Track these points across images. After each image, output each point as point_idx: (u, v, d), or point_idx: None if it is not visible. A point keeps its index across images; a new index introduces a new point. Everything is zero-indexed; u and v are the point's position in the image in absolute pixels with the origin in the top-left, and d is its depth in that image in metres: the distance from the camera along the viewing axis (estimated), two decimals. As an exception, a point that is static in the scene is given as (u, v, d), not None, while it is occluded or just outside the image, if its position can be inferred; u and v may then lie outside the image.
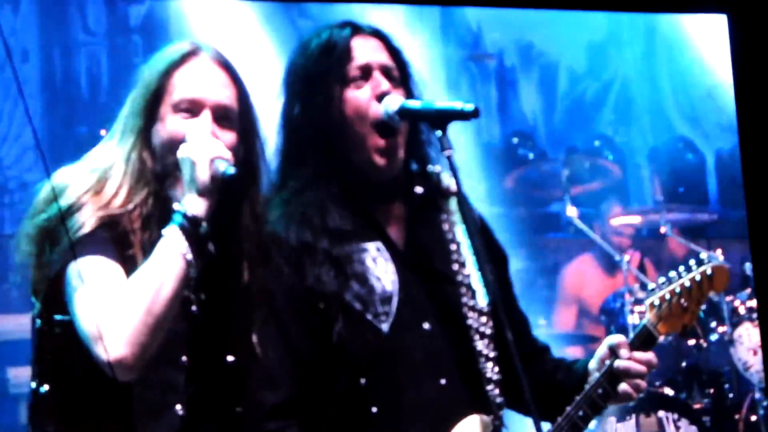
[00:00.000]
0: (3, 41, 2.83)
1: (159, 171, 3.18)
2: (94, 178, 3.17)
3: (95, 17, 7.57)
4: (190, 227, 3.08)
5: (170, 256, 3.06)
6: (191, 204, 3.10)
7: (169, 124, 3.19)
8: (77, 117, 6.79)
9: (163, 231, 3.08)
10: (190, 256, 3.07)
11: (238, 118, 3.26)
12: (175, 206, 3.11)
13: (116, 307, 3.00)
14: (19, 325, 6.33)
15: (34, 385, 3.21)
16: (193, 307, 3.23)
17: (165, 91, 3.20)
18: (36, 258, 3.14)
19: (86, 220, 3.08)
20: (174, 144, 3.16)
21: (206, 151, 3.11)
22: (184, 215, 3.08)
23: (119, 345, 2.97)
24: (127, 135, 3.20)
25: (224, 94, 3.23)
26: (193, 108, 3.19)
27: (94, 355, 3.01)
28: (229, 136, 3.21)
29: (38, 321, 3.18)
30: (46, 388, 3.17)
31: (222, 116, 3.21)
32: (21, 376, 6.75)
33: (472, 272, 3.48)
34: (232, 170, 3.11)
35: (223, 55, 3.30)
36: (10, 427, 6.69)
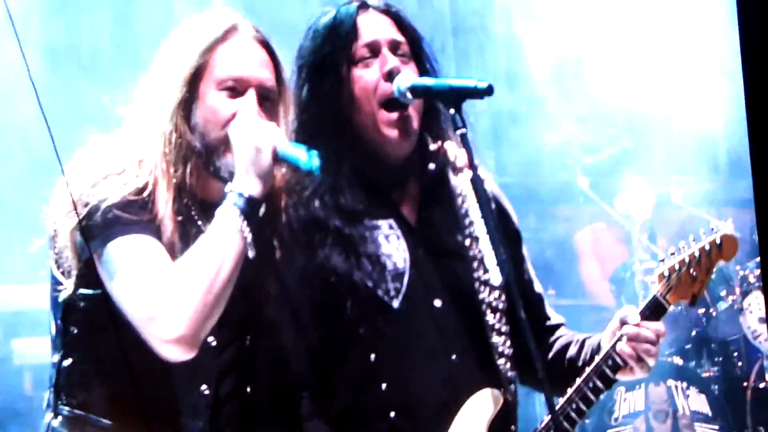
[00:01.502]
0: (6, 7, 2.81)
1: (199, 146, 3.16)
2: (128, 152, 3.15)
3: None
4: (249, 208, 3.05)
5: (229, 236, 3.03)
6: (250, 186, 3.07)
7: (212, 101, 3.16)
8: (79, 83, 6.76)
9: (218, 211, 3.06)
10: (249, 237, 3.05)
11: (276, 98, 3.25)
12: (229, 187, 3.08)
13: (174, 288, 2.97)
14: (23, 296, 6.33)
15: (56, 358, 3.21)
16: None
17: (206, 68, 3.17)
18: (70, 236, 3.12)
19: (114, 193, 3.06)
20: (218, 121, 3.14)
21: (269, 136, 3.09)
22: (242, 196, 3.06)
23: (178, 326, 2.95)
24: (162, 109, 3.16)
25: (266, 74, 3.22)
26: (237, 86, 3.17)
27: (145, 336, 2.99)
28: (268, 118, 3.20)
29: (64, 295, 3.16)
30: (69, 361, 3.18)
31: (264, 96, 3.20)
32: (24, 347, 6.74)
33: (484, 248, 3.45)
34: (316, 163, 3.10)
35: (261, 33, 3.28)
36: (17, 398, 6.69)
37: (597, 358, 3.47)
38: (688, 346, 7.51)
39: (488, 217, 3.28)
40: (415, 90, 3.35)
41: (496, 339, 3.43)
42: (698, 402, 7.10)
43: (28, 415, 6.08)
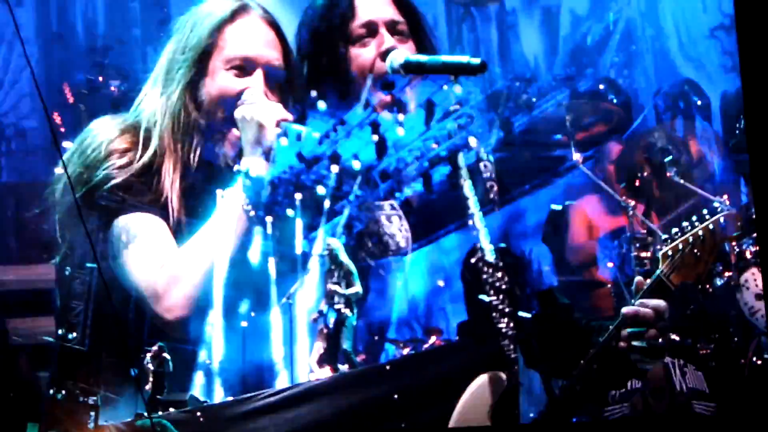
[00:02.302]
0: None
1: (203, 125, 3.18)
2: (134, 128, 3.21)
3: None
4: (254, 188, 3.07)
5: (234, 217, 3.06)
6: (255, 165, 3.09)
7: (220, 80, 3.20)
8: (73, 63, 6.75)
9: (224, 192, 3.09)
10: (254, 216, 3.08)
11: (284, 78, 3.29)
12: (237, 167, 3.12)
13: (178, 269, 3.01)
14: (20, 276, 6.32)
15: (61, 332, 3.26)
16: None
17: (216, 47, 3.22)
18: (69, 209, 3.16)
19: (118, 173, 3.12)
20: (224, 100, 3.19)
21: (273, 113, 3.10)
22: (248, 176, 3.08)
23: (181, 307, 3.01)
24: (171, 86, 3.20)
25: (274, 55, 3.25)
26: (246, 66, 3.20)
27: (148, 312, 3.05)
28: (276, 98, 3.24)
29: (68, 269, 3.22)
30: (74, 335, 3.23)
31: (272, 77, 3.23)
32: (20, 327, 6.72)
33: (485, 227, 3.44)
34: (316, 135, 3.09)
35: (271, 13, 3.32)
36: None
37: (600, 340, 3.46)
38: (684, 323, 7.49)
39: (482, 195, 3.27)
40: (409, 66, 3.35)
41: (498, 320, 3.41)
42: (695, 379, 7.08)
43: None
